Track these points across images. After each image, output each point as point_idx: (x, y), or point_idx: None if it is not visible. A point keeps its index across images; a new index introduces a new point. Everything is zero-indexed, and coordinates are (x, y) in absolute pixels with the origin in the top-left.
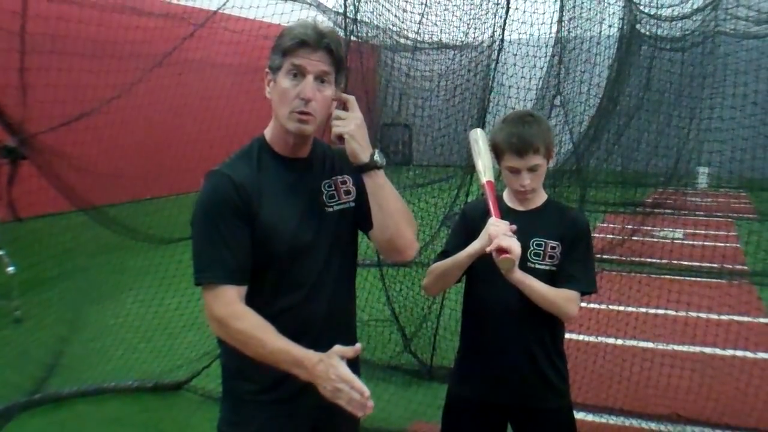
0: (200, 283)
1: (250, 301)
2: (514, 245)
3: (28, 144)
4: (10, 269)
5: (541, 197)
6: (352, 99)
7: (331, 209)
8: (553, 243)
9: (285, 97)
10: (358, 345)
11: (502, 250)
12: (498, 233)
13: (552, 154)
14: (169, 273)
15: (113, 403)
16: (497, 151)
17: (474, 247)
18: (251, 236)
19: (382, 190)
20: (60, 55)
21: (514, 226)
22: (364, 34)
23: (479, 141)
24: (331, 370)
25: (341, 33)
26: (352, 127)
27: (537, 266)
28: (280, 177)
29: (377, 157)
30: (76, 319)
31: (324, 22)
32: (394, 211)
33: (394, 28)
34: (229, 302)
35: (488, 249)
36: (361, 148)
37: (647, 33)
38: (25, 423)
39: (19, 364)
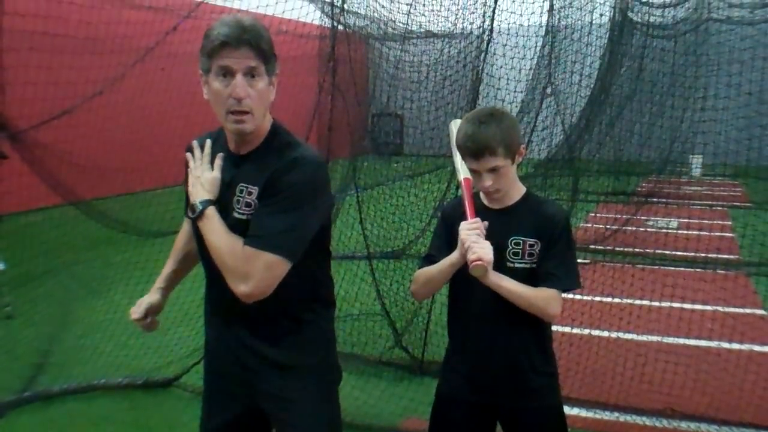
0: None
1: None
2: (485, 252)
3: (15, 140)
4: (0, 266)
5: (517, 192)
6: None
7: (236, 215)
8: (531, 240)
9: (219, 98)
10: None
11: (473, 259)
12: (467, 241)
13: (518, 152)
14: (158, 267)
15: (103, 400)
16: (460, 153)
17: (454, 256)
18: None
19: (204, 238)
20: (40, 52)
21: (485, 223)
22: (352, 24)
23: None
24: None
25: (329, 22)
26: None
27: (516, 265)
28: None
29: (198, 205)
30: (65, 316)
31: (245, 16)
32: (216, 258)
33: (382, 18)
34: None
35: (470, 258)
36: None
37: (639, 21)
38: (15, 421)
39: (9, 362)
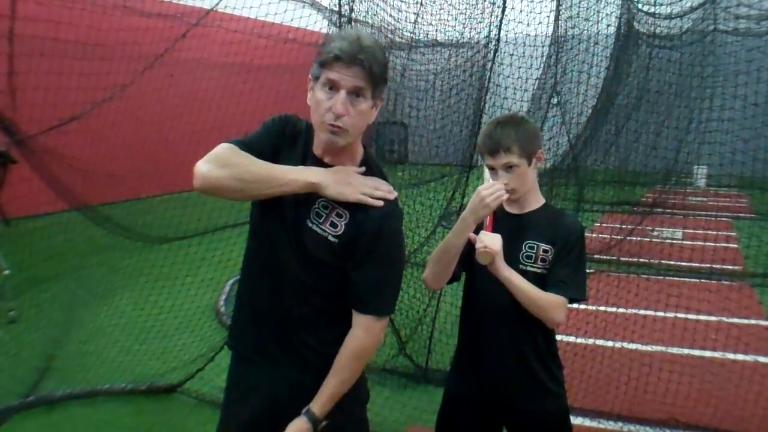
0: None
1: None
2: (493, 242)
3: (23, 145)
4: (6, 272)
5: (537, 201)
6: None
7: (310, 224)
8: (545, 246)
9: (319, 108)
10: None
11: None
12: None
13: (535, 156)
14: (163, 274)
15: (106, 405)
16: (479, 150)
17: (462, 221)
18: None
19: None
20: (50, 58)
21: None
22: None
23: None
24: None
25: (335, 31)
26: None
27: (528, 268)
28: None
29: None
30: (69, 321)
31: (367, 34)
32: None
33: (390, 27)
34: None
35: (477, 247)
36: None
37: (645, 31)
38: (18, 426)
39: (13, 366)
